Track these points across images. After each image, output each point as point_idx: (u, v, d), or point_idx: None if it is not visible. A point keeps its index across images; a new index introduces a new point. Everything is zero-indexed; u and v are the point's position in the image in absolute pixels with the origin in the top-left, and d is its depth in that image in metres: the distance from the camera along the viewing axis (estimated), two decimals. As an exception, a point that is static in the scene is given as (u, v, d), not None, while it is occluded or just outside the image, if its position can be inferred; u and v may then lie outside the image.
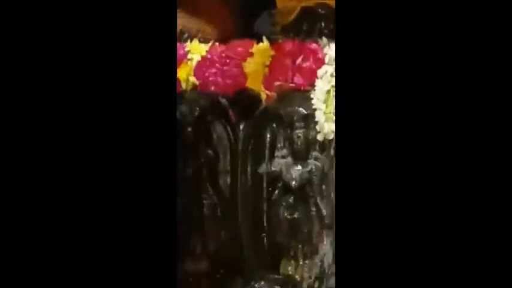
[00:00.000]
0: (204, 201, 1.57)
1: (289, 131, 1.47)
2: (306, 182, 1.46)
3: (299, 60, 1.44)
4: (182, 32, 1.59)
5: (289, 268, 1.50)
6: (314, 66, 1.43)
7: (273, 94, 1.47)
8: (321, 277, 1.52)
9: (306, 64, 1.44)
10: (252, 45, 1.51)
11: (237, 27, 1.71)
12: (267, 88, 1.47)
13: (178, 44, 1.55)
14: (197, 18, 1.65)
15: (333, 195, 1.46)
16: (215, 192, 1.57)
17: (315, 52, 1.44)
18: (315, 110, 1.42)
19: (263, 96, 1.48)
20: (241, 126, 1.54)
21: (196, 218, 1.57)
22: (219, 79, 1.51)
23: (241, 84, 1.50)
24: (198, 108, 1.55)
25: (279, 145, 1.47)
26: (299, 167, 1.45)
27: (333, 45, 1.45)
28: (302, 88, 1.43)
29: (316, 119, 1.41)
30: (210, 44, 1.55)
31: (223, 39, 1.57)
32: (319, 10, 1.56)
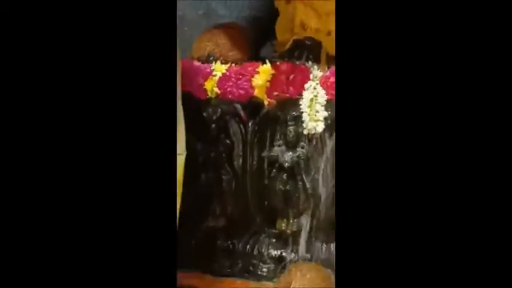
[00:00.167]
0: (223, 177, 1.73)
1: (284, 127, 1.65)
2: (295, 164, 1.65)
3: (291, 77, 1.61)
4: (209, 55, 1.72)
5: (283, 225, 1.71)
6: (302, 81, 1.60)
7: (273, 101, 1.63)
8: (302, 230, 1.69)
9: (296, 80, 1.61)
10: (258, 66, 1.64)
11: (248, 53, 1.77)
12: (268, 97, 1.63)
13: (206, 64, 1.68)
14: (220, 46, 1.74)
15: (313, 173, 1.64)
16: (231, 170, 1.72)
17: (303, 71, 1.62)
18: (302, 112, 1.59)
19: (266, 103, 1.64)
20: (250, 124, 1.69)
21: (216, 188, 1.73)
22: (235, 90, 1.66)
23: (250, 94, 1.64)
24: (219, 111, 1.69)
25: (276, 137, 1.67)
26: (290, 153, 1.65)
27: (316, 67, 1.62)
28: (293, 97, 1.61)
29: (303, 119, 1.59)
30: (228, 64, 1.67)
31: (238, 61, 1.70)
32: (307, 42, 1.76)
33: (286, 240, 1.70)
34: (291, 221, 1.70)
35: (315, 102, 1.59)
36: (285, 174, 1.68)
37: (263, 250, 1.71)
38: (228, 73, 1.66)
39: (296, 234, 1.69)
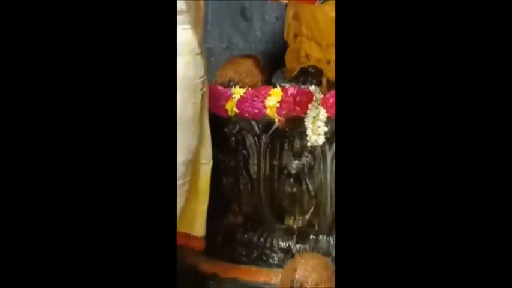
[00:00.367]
0: (241, 181, 1.88)
1: (291, 140, 1.81)
2: (300, 170, 1.81)
3: (298, 99, 1.76)
4: (230, 81, 1.88)
5: (290, 221, 1.87)
6: (306, 102, 1.77)
7: (282, 119, 1.76)
8: (309, 225, 1.85)
9: (301, 101, 1.76)
10: (270, 89, 1.80)
11: (262, 79, 1.92)
12: (279, 115, 1.76)
13: (227, 88, 1.83)
14: (239, 73, 1.89)
15: (316, 178, 1.78)
16: (247, 176, 1.88)
17: (307, 94, 1.80)
18: (306, 128, 1.74)
19: (276, 120, 1.78)
20: (263, 138, 1.83)
21: (235, 190, 1.89)
22: (250, 109, 1.80)
23: (264, 113, 1.79)
24: (237, 127, 1.84)
25: (285, 148, 1.83)
26: (296, 161, 1.81)
27: (318, 90, 1.78)
28: (299, 115, 1.76)
29: (307, 133, 1.75)
30: (245, 88, 1.84)
31: (253, 86, 1.86)
32: (310, 69, 1.93)
33: (293, 234, 1.88)
34: (297, 218, 1.87)
35: (317, 119, 1.76)
36: (292, 179, 1.85)
37: (274, 242, 1.87)
38: (245, 95, 1.83)
39: (301, 229, 1.86)
